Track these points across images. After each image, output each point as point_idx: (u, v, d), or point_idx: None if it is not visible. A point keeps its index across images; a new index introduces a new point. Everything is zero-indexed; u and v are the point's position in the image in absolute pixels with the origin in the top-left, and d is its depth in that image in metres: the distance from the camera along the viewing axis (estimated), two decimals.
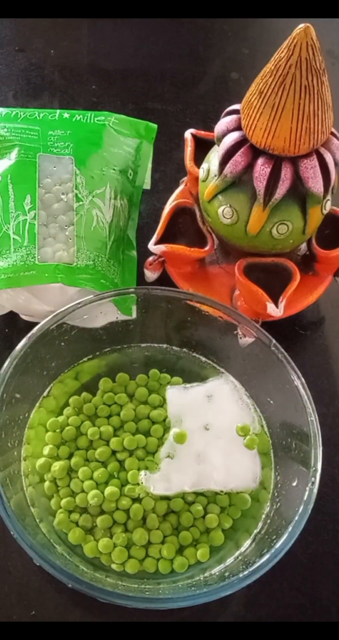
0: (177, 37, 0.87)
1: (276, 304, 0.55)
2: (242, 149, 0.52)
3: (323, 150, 0.51)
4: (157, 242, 0.59)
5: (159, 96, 0.80)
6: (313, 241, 0.59)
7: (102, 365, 0.58)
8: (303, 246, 0.62)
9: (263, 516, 0.51)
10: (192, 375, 0.57)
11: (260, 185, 0.51)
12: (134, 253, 0.64)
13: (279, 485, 0.52)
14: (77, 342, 0.56)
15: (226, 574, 0.47)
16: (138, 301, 0.57)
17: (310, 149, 0.51)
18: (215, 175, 0.55)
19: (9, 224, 0.59)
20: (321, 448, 0.49)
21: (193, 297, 0.56)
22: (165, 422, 0.54)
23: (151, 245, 0.59)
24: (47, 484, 0.52)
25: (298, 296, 0.59)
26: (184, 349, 0.59)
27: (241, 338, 0.56)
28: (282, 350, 0.52)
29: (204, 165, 0.58)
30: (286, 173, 0.51)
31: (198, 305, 0.56)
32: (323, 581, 0.53)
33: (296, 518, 0.46)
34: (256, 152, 0.52)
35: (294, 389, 0.51)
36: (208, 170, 0.57)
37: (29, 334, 0.52)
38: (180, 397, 0.54)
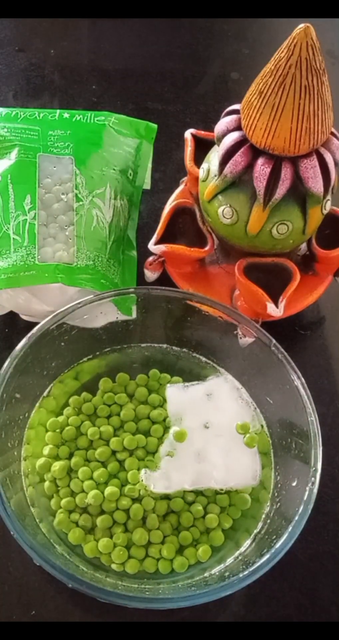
0: (177, 37, 0.87)
1: (276, 304, 0.55)
2: (242, 149, 0.52)
3: (323, 150, 0.51)
4: (157, 242, 0.59)
5: (159, 96, 0.80)
6: (313, 241, 0.59)
7: (102, 365, 0.58)
8: (303, 246, 0.62)
9: (263, 516, 0.51)
10: (192, 375, 0.57)
11: (260, 185, 0.51)
12: (134, 253, 0.65)
13: (279, 485, 0.52)
14: (77, 342, 0.56)
15: (226, 574, 0.47)
16: (138, 301, 0.57)
17: (310, 149, 0.51)
18: (215, 175, 0.55)
19: (9, 224, 0.59)
20: (321, 448, 0.49)
21: (193, 297, 0.56)
22: (165, 422, 0.54)
23: (151, 245, 0.59)
24: (47, 484, 0.52)
25: (298, 296, 0.59)
26: (184, 349, 0.59)
27: (241, 338, 0.56)
28: (282, 350, 0.52)
29: (204, 165, 0.58)
30: (286, 173, 0.51)
31: (198, 305, 0.56)
32: (323, 581, 0.53)
33: (296, 518, 0.46)
34: (256, 152, 0.52)
35: (294, 389, 0.51)
36: (208, 170, 0.57)
37: (29, 334, 0.52)
38: (179, 396, 0.55)
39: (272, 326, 0.56)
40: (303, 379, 0.51)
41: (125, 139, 0.67)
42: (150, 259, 0.62)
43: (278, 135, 0.49)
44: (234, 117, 0.53)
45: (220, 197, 0.55)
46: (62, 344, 0.55)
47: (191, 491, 0.51)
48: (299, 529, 0.46)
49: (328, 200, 0.55)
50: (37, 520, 0.50)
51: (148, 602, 0.44)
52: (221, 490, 0.52)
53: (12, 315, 0.61)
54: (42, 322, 0.53)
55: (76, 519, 0.50)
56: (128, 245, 0.64)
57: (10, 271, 0.57)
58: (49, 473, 0.52)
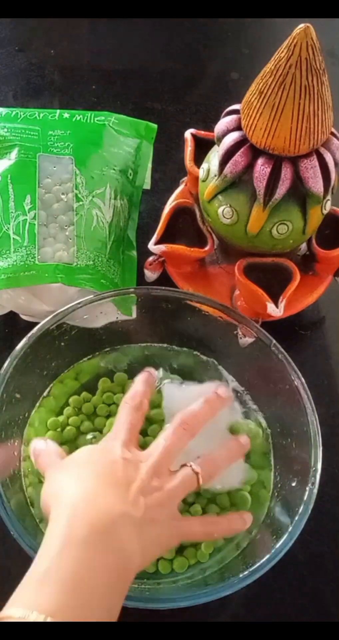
0: (177, 37, 0.87)
1: (276, 304, 0.55)
2: (242, 149, 0.52)
3: (323, 150, 0.51)
4: (157, 242, 0.59)
5: (159, 96, 0.80)
6: (313, 241, 0.59)
7: (101, 365, 0.58)
8: (303, 246, 0.62)
9: (263, 516, 0.51)
10: (192, 376, 0.57)
11: (260, 185, 0.51)
12: (134, 253, 0.64)
13: (279, 485, 0.52)
14: (76, 342, 0.56)
15: (226, 574, 0.47)
16: (138, 301, 0.57)
17: (310, 149, 0.51)
18: (215, 175, 0.55)
19: (9, 224, 0.58)
20: (321, 448, 0.49)
21: (193, 297, 0.56)
22: (164, 422, 0.54)
23: (151, 245, 0.59)
24: None
25: (298, 296, 0.59)
26: (184, 348, 0.59)
27: (241, 338, 0.56)
28: (282, 350, 0.52)
29: (204, 165, 0.58)
30: (286, 173, 0.51)
31: (198, 305, 0.56)
32: (323, 581, 0.53)
33: (296, 518, 0.46)
34: (256, 152, 0.52)
35: (294, 389, 0.51)
36: (208, 170, 0.57)
37: (29, 334, 0.52)
38: (175, 393, 0.54)
39: (272, 326, 0.56)
40: (302, 379, 0.51)
41: (125, 139, 0.67)
42: (150, 259, 0.61)
43: (278, 135, 0.49)
44: (234, 117, 0.53)
45: (220, 197, 0.55)
46: (62, 344, 0.55)
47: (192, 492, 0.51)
48: (299, 529, 0.46)
49: (328, 200, 0.55)
50: (37, 520, 0.49)
51: (148, 602, 0.44)
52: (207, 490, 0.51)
53: (12, 315, 0.60)
54: (42, 322, 0.53)
55: None
56: (128, 245, 0.64)
57: (10, 271, 0.57)
58: None
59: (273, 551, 0.45)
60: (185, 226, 0.61)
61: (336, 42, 0.86)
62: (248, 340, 0.56)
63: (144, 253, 0.62)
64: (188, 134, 0.64)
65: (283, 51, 0.46)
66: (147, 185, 0.69)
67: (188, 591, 0.47)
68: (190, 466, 0.46)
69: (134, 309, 0.58)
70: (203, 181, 0.57)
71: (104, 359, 0.58)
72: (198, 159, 0.61)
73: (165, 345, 0.59)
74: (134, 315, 0.58)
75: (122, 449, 0.44)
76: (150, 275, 0.62)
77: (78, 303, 0.54)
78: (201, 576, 0.49)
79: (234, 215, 0.55)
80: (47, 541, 0.38)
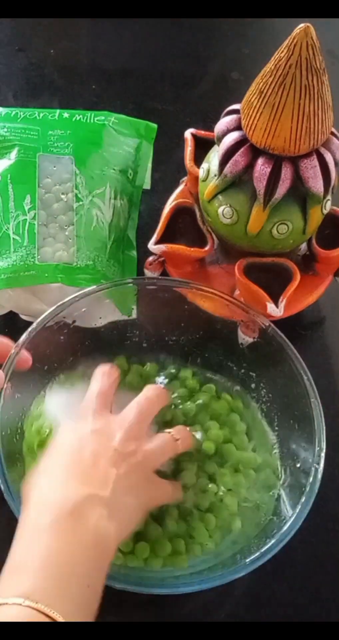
0: (177, 37, 0.87)
1: (276, 304, 0.55)
2: (242, 149, 0.52)
3: (323, 150, 0.51)
4: (157, 242, 0.59)
5: (159, 96, 0.80)
6: (313, 241, 0.59)
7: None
8: (303, 246, 0.62)
9: (274, 501, 0.51)
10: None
11: (260, 185, 0.51)
12: (134, 253, 0.64)
13: (284, 467, 0.52)
14: (76, 340, 0.56)
15: (238, 556, 0.48)
16: (138, 291, 0.57)
17: (310, 149, 0.51)
18: (215, 175, 0.55)
19: (9, 224, 0.58)
20: (324, 428, 0.49)
21: (192, 285, 0.56)
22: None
23: (151, 245, 0.59)
24: None
25: (298, 296, 0.59)
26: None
27: (242, 339, 0.56)
28: (280, 333, 0.53)
29: (204, 165, 0.58)
30: (286, 173, 0.51)
31: (198, 301, 0.56)
32: (323, 581, 0.53)
33: (303, 499, 0.47)
34: (256, 152, 0.52)
35: (294, 370, 0.52)
36: (208, 170, 0.57)
37: (29, 329, 0.52)
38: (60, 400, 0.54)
39: None
40: (302, 362, 0.52)
41: (125, 139, 0.67)
42: (150, 258, 0.61)
43: (278, 135, 0.49)
44: (234, 117, 0.53)
45: (220, 197, 0.55)
46: (61, 337, 0.55)
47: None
48: (305, 512, 0.46)
49: (328, 200, 0.55)
50: None
51: (162, 588, 0.45)
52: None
53: (12, 315, 0.60)
54: (41, 317, 0.52)
55: None
56: (128, 245, 0.64)
57: (10, 271, 0.57)
58: None
59: (279, 535, 0.46)
60: (185, 226, 0.61)
61: (336, 42, 0.86)
62: (248, 339, 0.56)
63: (144, 253, 0.62)
64: (188, 134, 0.64)
65: (283, 51, 0.46)
66: (147, 185, 0.69)
67: (202, 575, 0.47)
68: (169, 432, 0.47)
69: (134, 309, 0.58)
70: (203, 181, 0.57)
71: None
72: (198, 159, 0.61)
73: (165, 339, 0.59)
74: (134, 316, 0.58)
75: (93, 420, 0.45)
76: (150, 275, 0.62)
77: (75, 297, 0.53)
78: (215, 561, 0.49)
79: (234, 215, 0.55)
80: (16, 534, 0.39)
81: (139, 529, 0.48)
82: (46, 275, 0.57)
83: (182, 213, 0.61)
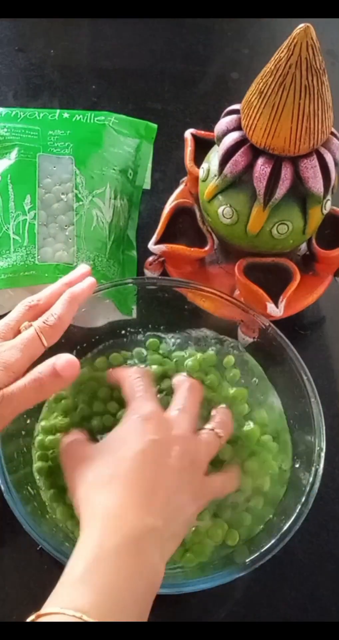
0: (177, 37, 0.87)
1: (276, 304, 0.55)
2: (242, 149, 0.52)
3: (323, 150, 0.51)
4: (157, 242, 0.59)
5: (159, 96, 0.80)
6: (313, 241, 0.59)
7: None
8: (303, 246, 0.62)
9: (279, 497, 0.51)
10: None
11: (260, 185, 0.51)
12: (134, 253, 0.64)
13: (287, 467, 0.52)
14: (75, 340, 0.56)
15: (252, 547, 0.48)
16: (138, 291, 0.57)
17: (310, 149, 0.51)
18: (215, 175, 0.55)
19: (9, 224, 0.59)
20: (324, 428, 0.49)
21: (192, 284, 0.56)
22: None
23: (151, 245, 0.59)
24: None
25: (298, 296, 0.59)
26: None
27: (242, 339, 0.56)
28: (279, 332, 0.53)
29: (204, 165, 0.58)
30: (286, 173, 0.51)
31: (198, 301, 0.56)
32: (323, 581, 0.53)
33: (303, 498, 0.47)
34: (256, 152, 0.52)
35: (294, 370, 0.52)
36: (208, 170, 0.57)
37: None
38: None
39: None
40: (302, 362, 0.52)
41: (125, 139, 0.67)
42: (150, 258, 0.61)
43: (278, 135, 0.49)
44: (234, 117, 0.53)
45: (220, 197, 0.55)
46: (61, 338, 0.55)
47: None
48: (305, 512, 0.47)
49: (328, 200, 0.55)
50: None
51: (163, 587, 0.44)
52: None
53: None
54: None
55: None
56: (128, 245, 0.64)
57: (10, 271, 0.57)
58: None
59: (279, 534, 0.46)
60: (185, 226, 0.61)
61: (336, 42, 0.86)
62: (248, 340, 0.56)
63: (144, 253, 0.62)
64: (188, 134, 0.64)
65: (283, 51, 0.46)
66: (147, 185, 0.69)
67: (202, 575, 0.47)
68: (213, 430, 0.48)
69: (134, 309, 0.58)
70: (203, 181, 0.57)
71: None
72: (198, 159, 0.61)
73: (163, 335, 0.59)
74: (134, 316, 0.58)
75: (155, 428, 0.45)
76: (150, 275, 0.62)
77: None
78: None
79: (234, 215, 0.55)
80: (82, 547, 0.40)
81: None
82: (46, 275, 0.57)
83: (182, 213, 0.61)
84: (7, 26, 0.86)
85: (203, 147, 0.61)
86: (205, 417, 0.51)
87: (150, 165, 0.69)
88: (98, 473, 0.44)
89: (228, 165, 0.53)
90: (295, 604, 0.52)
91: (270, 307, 0.55)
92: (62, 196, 0.60)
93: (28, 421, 0.53)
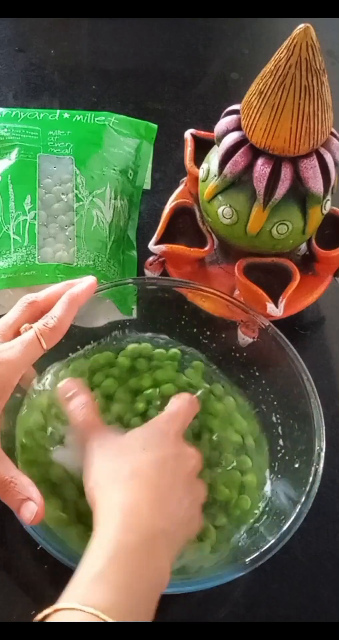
0: (177, 37, 0.87)
1: (276, 304, 0.55)
2: (242, 149, 0.52)
3: (323, 151, 0.51)
4: (157, 242, 0.59)
5: (159, 96, 0.80)
6: (313, 241, 0.59)
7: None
8: (303, 246, 0.62)
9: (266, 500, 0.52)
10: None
11: (260, 185, 0.51)
12: (134, 253, 0.65)
13: (282, 467, 0.52)
14: (75, 340, 0.56)
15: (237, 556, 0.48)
16: (138, 291, 0.57)
17: (310, 149, 0.51)
18: (215, 175, 0.55)
19: (9, 224, 0.59)
20: (324, 428, 0.49)
21: (197, 285, 0.56)
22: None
23: (151, 245, 0.59)
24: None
25: (298, 296, 0.59)
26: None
27: (242, 339, 0.56)
28: (279, 332, 0.53)
29: (204, 165, 0.58)
30: (286, 173, 0.51)
31: (198, 300, 0.56)
32: (323, 581, 0.53)
33: (303, 498, 0.47)
34: (256, 152, 0.52)
35: (294, 370, 0.52)
36: (208, 170, 0.57)
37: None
38: None
39: None
40: (302, 362, 0.52)
41: (125, 139, 0.67)
42: (150, 259, 0.62)
43: (278, 135, 0.49)
44: (234, 117, 0.53)
45: (220, 197, 0.55)
46: (63, 340, 0.55)
47: None
48: (305, 512, 0.47)
49: (328, 200, 0.55)
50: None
51: (187, 586, 0.45)
52: None
53: None
54: None
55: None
56: (128, 245, 0.64)
57: (10, 271, 0.57)
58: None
59: (279, 534, 0.46)
60: (185, 226, 0.61)
61: (336, 42, 0.86)
62: (248, 340, 0.56)
63: (144, 253, 0.62)
64: (188, 134, 0.64)
65: (283, 51, 0.47)
66: (147, 185, 0.69)
67: (202, 575, 0.47)
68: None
69: (134, 308, 0.58)
70: (203, 181, 0.57)
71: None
72: (198, 159, 0.61)
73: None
74: (134, 316, 0.58)
75: (174, 444, 0.46)
76: (150, 275, 0.62)
77: None
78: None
79: (234, 215, 0.55)
80: (101, 542, 0.40)
81: None
82: (46, 275, 0.57)
83: (182, 213, 0.61)
84: (7, 26, 0.86)
85: (203, 147, 0.61)
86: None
87: (150, 165, 0.69)
88: (119, 467, 0.44)
89: (228, 165, 0.53)
90: (295, 604, 0.52)
91: (270, 307, 0.55)
92: (62, 196, 0.60)
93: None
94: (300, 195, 0.53)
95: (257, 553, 0.46)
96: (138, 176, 0.67)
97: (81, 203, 0.60)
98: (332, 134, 0.52)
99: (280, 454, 0.53)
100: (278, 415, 0.55)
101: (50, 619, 0.36)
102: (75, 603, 0.36)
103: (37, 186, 0.60)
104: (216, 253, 0.63)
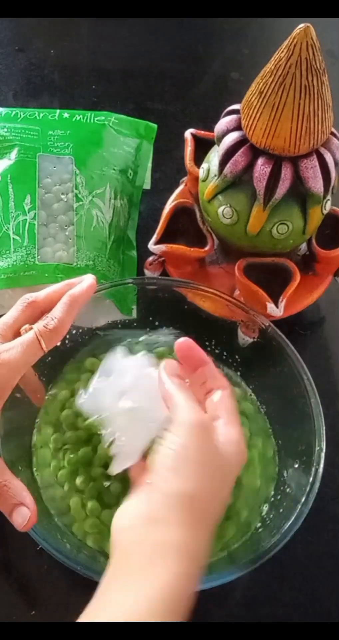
0: (177, 37, 0.87)
1: (276, 304, 0.55)
2: (242, 149, 0.52)
3: (323, 150, 0.51)
4: (157, 242, 0.59)
5: (159, 96, 0.80)
6: (313, 241, 0.59)
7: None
8: (303, 246, 0.62)
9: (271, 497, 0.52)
10: None
11: (260, 185, 0.51)
12: (134, 253, 0.64)
13: (285, 468, 0.52)
14: (75, 340, 0.56)
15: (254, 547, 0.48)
16: (138, 290, 0.57)
17: (310, 149, 0.51)
18: (215, 175, 0.55)
19: (9, 224, 0.59)
20: (324, 428, 0.49)
21: (192, 284, 0.56)
22: None
23: (151, 245, 0.59)
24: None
25: (298, 296, 0.59)
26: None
27: (242, 339, 0.56)
28: (279, 332, 0.53)
29: (204, 165, 0.58)
30: (286, 173, 0.51)
31: (198, 300, 0.56)
32: (323, 581, 0.53)
33: (303, 498, 0.47)
34: (256, 152, 0.52)
35: (294, 369, 0.52)
36: (208, 170, 0.57)
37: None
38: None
39: None
40: (302, 362, 0.52)
41: (125, 139, 0.67)
42: (150, 259, 0.61)
43: (278, 135, 0.49)
44: (234, 117, 0.53)
45: (220, 197, 0.55)
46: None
47: None
48: (305, 512, 0.47)
49: (328, 200, 0.55)
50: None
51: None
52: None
53: None
54: None
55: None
56: (128, 245, 0.64)
57: (10, 271, 0.57)
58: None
59: (279, 534, 0.46)
60: (185, 226, 0.61)
61: (336, 42, 0.86)
62: (248, 340, 0.56)
63: (144, 253, 0.62)
64: (188, 134, 0.64)
65: (283, 51, 0.46)
66: (147, 185, 0.69)
67: (214, 572, 0.47)
68: None
69: (134, 308, 0.58)
70: (203, 181, 0.57)
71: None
72: (198, 159, 0.61)
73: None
74: (134, 315, 0.58)
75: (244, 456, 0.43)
76: (150, 275, 0.62)
77: None
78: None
79: (234, 215, 0.55)
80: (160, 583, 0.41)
81: None
82: (46, 275, 0.57)
83: (182, 213, 0.61)
84: (7, 26, 0.86)
85: (203, 147, 0.61)
86: None
87: (150, 165, 0.69)
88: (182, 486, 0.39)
89: (228, 165, 0.53)
90: (295, 604, 0.52)
91: (270, 307, 0.55)
92: (62, 196, 0.60)
93: (26, 421, 0.53)
94: (300, 195, 0.53)
95: (257, 553, 0.46)
96: (138, 176, 0.67)
97: (81, 203, 0.60)
98: (332, 133, 0.52)
99: (280, 454, 0.53)
100: (278, 415, 0.55)
101: None
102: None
103: (37, 186, 0.60)
104: (216, 253, 0.63)
